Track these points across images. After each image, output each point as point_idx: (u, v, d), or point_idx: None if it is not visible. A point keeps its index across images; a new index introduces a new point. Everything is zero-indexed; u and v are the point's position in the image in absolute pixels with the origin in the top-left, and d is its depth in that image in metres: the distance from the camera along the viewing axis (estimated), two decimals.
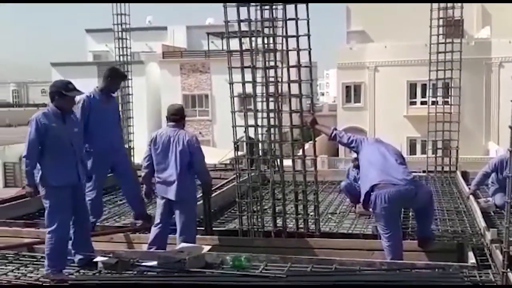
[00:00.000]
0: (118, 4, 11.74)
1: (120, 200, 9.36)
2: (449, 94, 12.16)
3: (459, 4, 11.03)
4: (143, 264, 5.42)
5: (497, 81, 29.40)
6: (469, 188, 8.73)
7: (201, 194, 6.84)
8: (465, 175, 10.58)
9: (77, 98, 6.32)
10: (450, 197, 9.24)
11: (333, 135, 6.50)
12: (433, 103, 11.88)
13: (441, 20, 11.35)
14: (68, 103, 5.47)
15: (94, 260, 5.47)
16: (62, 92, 5.34)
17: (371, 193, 5.74)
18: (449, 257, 5.76)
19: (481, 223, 6.81)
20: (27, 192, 5.51)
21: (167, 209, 6.24)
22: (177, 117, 6.30)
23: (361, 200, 6.02)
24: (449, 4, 11.09)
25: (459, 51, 11.10)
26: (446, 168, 11.24)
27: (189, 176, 6.16)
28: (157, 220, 6.30)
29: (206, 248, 5.65)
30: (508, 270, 4.78)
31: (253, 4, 6.68)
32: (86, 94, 6.93)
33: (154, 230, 6.27)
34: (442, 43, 11.33)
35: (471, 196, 8.38)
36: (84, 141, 6.32)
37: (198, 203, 6.83)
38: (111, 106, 7.32)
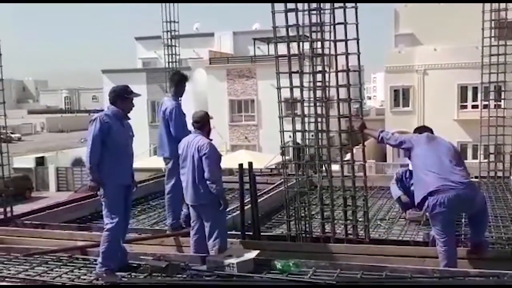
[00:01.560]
0: (168, 11, 11.96)
1: None
2: (502, 97, 11.81)
3: (511, 6, 10.71)
4: (193, 268, 5.49)
5: None
6: None
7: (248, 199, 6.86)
8: None
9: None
10: (504, 203, 8.97)
11: (380, 137, 6.46)
12: (485, 106, 11.57)
13: (493, 22, 11.05)
14: (130, 104, 5.88)
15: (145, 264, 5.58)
16: (125, 96, 5.81)
17: (428, 197, 5.61)
18: (504, 265, 5.55)
19: None
20: (91, 187, 5.69)
21: (194, 213, 6.31)
22: (199, 124, 6.33)
23: (416, 203, 5.90)
24: (502, 6, 10.79)
25: None
26: (499, 174, 10.90)
27: (204, 182, 6.08)
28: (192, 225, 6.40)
29: (255, 252, 5.67)
30: None
31: (301, 9, 6.68)
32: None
33: (191, 236, 6.40)
34: (495, 45, 11.02)
35: None
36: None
37: (246, 207, 6.87)
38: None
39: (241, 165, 6.90)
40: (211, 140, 6.28)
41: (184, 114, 7.22)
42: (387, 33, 41.06)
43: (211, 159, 6.07)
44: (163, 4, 12.05)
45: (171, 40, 12.28)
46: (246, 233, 6.81)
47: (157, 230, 7.56)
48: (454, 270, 5.28)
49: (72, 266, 5.96)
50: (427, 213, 5.79)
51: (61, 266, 5.95)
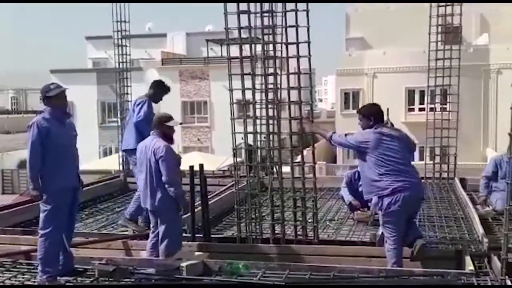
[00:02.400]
0: (118, 11, 11.76)
1: (118, 207, 9.37)
2: (447, 100, 12.18)
3: (458, 11, 11.06)
4: (141, 271, 5.41)
5: (495, 87, 29.45)
6: (477, 196, 8.78)
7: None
8: (463, 181, 10.58)
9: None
10: (448, 203, 9.24)
11: (330, 136, 6.37)
12: (431, 109, 11.90)
13: (440, 27, 11.38)
14: (63, 101, 5.59)
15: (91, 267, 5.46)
16: (46, 95, 5.47)
17: (384, 196, 5.66)
18: (448, 264, 5.75)
19: (479, 230, 6.81)
20: (33, 196, 5.50)
21: (153, 218, 6.21)
22: (153, 126, 6.28)
23: (370, 201, 5.91)
24: (448, 11, 11.12)
25: (457, 58, 11.12)
26: (444, 175, 11.24)
27: (161, 185, 6.01)
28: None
29: (205, 255, 5.64)
30: (507, 277, 4.79)
31: (254, 11, 6.70)
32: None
33: (149, 240, 6.30)
34: (441, 50, 11.35)
35: (469, 202, 8.40)
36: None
37: (196, 210, 6.83)
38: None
39: (191, 167, 6.86)
40: (171, 143, 6.20)
41: (153, 113, 7.24)
42: (338, 36, 41.77)
43: (167, 162, 5.98)
44: (114, 3, 11.84)
45: (121, 40, 12.07)
46: (196, 235, 6.78)
47: (105, 234, 7.41)
48: (399, 269, 5.40)
49: (16, 271, 5.78)
50: (379, 212, 5.79)
51: (4, 272, 5.77)
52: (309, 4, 6.31)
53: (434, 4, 11.18)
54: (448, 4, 11.02)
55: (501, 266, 4.79)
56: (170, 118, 6.36)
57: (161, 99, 8.08)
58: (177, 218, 6.18)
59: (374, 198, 5.79)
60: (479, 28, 34.07)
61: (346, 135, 6.31)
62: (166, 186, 5.95)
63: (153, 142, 6.10)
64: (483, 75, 29.84)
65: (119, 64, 12.03)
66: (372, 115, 6.02)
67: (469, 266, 5.42)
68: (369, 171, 5.86)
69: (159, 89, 7.98)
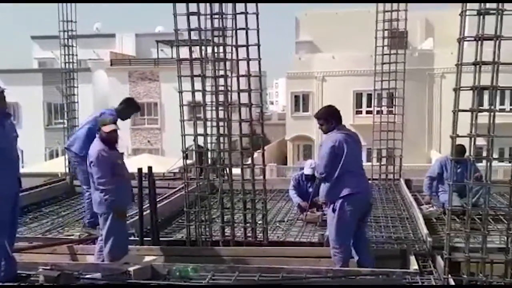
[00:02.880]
0: (65, 10, 11.48)
1: (64, 211, 9.16)
2: (394, 103, 12.48)
3: (403, 17, 11.36)
4: (87, 276, 5.30)
5: (439, 91, 30.43)
6: (421, 196, 9.01)
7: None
8: (408, 182, 10.87)
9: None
10: (394, 204, 9.47)
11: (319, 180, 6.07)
12: (378, 112, 12.18)
13: (386, 32, 11.65)
14: (2, 102, 5.22)
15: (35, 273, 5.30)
16: None
17: (343, 198, 5.67)
18: (393, 264, 5.88)
19: (424, 229, 7.01)
20: None
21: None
22: (97, 130, 6.25)
23: (328, 201, 5.85)
24: (394, 17, 11.41)
25: (403, 62, 11.41)
26: (390, 176, 11.52)
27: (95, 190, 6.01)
28: None
29: (153, 258, 5.58)
30: (449, 276, 4.94)
31: (204, 13, 6.67)
32: None
33: (97, 244, 6.23)
34: (387, 54, 11.63)
35: (414, 203, 8.64)
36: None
37: (145, 213, 6.76)
38: None
39: (140, 169, 6.77)
40: (112, 147, 6.08)
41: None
42: (289, 40, 42.21)
43: (97, 167, 5.92)
44: (60, 3, 11.55)
45: (68, 40, 11.78)
46: (145, 239, 6.70)
47: (50, 239, 7.21)
48: (347, 269, 5.49)
49: None
50: (334, 214, 5.76)
51: None
52: (260, 7, 6.33)
53: (380, 9, 11.44)
54: (393, 10, 11.31)
55: (444, 265, 4.94)
56: (108, 122, 6.26)
57: (129, 117, 7.87)
58: (115, 222, 5.99)
59: (331, 199, 5.78)
60: (424, 33, 35.18)
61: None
62: (97, 192, 5.93)
63: (91, 146, 6.10)
64: (427, 79, 30.78)
65: (65, 65, 11.74)
66: (333, 117, 5.96)
67: (414, 265, 5.57)
68: (328, 175, 5.80)
69: (129, 106, 7.69)
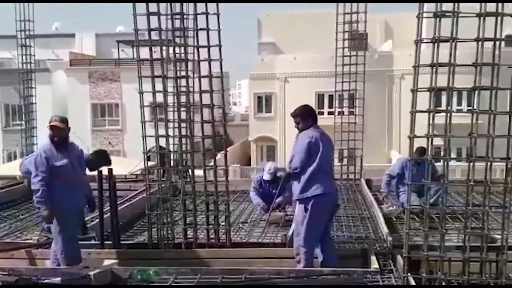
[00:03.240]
0: (22, 9, 11.23)
1: (22, 215, 8.93)
2: (355, 105, 12.65)
3: (363, 19, 11.53)
4: (46, 281, 5.18)
5: (399, 92, 30.96)
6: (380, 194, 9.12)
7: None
8: (369, 182, 11.04)
9: None
10: (355, 204, 9.60)
11: (287, 174, 6.00)
12: (339, 113, 12.33)
13: (346, 34, 11.80)
14: None
15: None
16: None
17: (315, 197, 5.67)
18: (354, 263, 5.96)
19: (384, 229, 7.12)
20: None
21: None
22: (67, 126, 6.03)
23: (298, 199, 5.83)
24: (354, 18, 11.57)
25: (363, 64, 11.58)
26: (351, 176, 11.67)
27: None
28: None
29: (113, 262, 5.50)
30: (409, 274, 5.04)
31: (164, 13, 6.61)
32: None
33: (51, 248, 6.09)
34: (347, 56, 11.79)
35: (374, 202, 8.77)
36: None
37: (105, 216, 6.66)
38: None
39: (100, 171, 6.66)
40: (57, 142, 5.89)
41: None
42: (252, 41, 42.28)
43: (33, 166, 5.80)
44: (17, 3, 11.29)
45: (26, 40, 11.54)
46: (105, 242, 6.59)
47: (8, 243, 7.01)
48: (309, 269, 5.53)
49: None
50: (305, 213, 5.74)
51: None
52: (223, 8, 6.33)
53: (340, 11, 11.58)
54: (353, 12, 11.47)
55: (404, 264, 5.03)
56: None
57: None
58: (61, 227, 5.85)
59: (304, 197, 5.77)
60: (383, 35, 35.76)
61: (290, 161, 5.98)
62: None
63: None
64: (387, 80, 31.26)
65: (23, 65, 11.50)
66: (309, 115, 5.99)
67: (374, 265, 5.65)
68: (302, 172, 5.78)
69: (99, 158, 6.83)
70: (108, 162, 6.87)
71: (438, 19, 4.67)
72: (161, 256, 6.31)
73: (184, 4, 6.62)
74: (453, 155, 23.42)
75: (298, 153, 5.80)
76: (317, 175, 5.73)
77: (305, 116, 5.96)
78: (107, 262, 5.78)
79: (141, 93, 6.69)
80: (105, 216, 6.72)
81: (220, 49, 6.48)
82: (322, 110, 31.13)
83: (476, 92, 4.80)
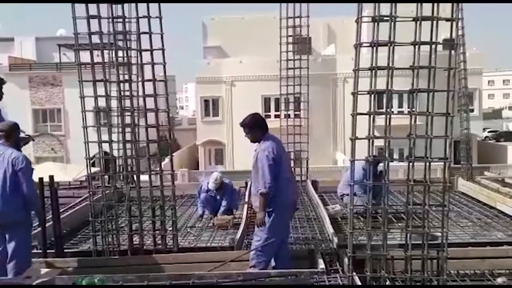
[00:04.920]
0: None
1: None
2: (300, 108, 12.81)
3: (306, 23, 11.70)
4: None
5: (343, 95, 31.55)
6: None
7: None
8: (315, 183, 11.18)
9: None
10: (301, 205, 9.69)
11: (264, 192, 5.69)
12: (285, 116, 12.45)
13: (290, 38, 11.94)
14: None
15: None
16: None
17: (280, 201, 5.69)
18: (301, 264, 6.02)
19: (329, 229, 7.23)
20: None
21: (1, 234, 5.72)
22: (2, 133, 5.79)
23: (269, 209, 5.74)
24: (297, 23, 11.72)
25: (307, 68, 11.74)
26: (298, 178, 11.79)
27: (16, 197, 5.59)
28: None
29: (56, 271, 5.35)
30: (354, 273, 5.13)
31: (105, 17, 6.49)
32: None
33: None
34: (291, 59, 11.92)
35: (320, 203, 8.90)
36: None
37: (47, 224, 6.47)
38: None
39: (41, 179, 6.46)
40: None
41: None
42: (198, 44, 42.12)
43: (28, 173, 5.64)
44: None
45: None
46: (48, 251, 6.41)
47: None
48: (256, 272, 5.55)
49: None
50: (269, 218, 5.68)
51: None
52: (168, 11, 6.30)
53: (284, 16, 11.71)
54: (296, 16, 11.61)
55: (348, 263, 5.13)
56: (19, 127, 5.97)
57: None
58: (29, 234, 5.80)
59: (273, 208, 5.71)
60: (327, 39, 36.39)
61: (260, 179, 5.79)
62: (27, 199, 5.59)
63: (8, 151, 5.66)
64: (331, 84, 31.81)
65: None
66: (258, 126, 5.92)
67: (321, 265, 5.73)
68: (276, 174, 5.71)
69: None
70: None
71: (376, 23, 4.79)
72: (107, 264, 6.18)
73: (126, 7, 6.53)
74: (396, 156, 24.06)
75: (265, 173, 5.66)
76: (282, 184, 5.74)
77: (253, 127, 5.90)
78: (50, 271, 5.60)
79: (82, 97, 6.54)
80: (47, 224, 6.53)
81: (163, 53, 6.42)
82: (269, 114, 31.36)
83: (415, 94, 4.96)
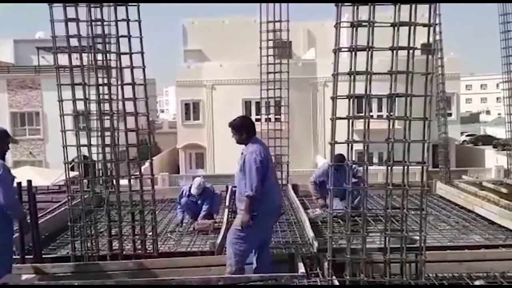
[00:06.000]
0: None
1: None
2: (281, 111, 12.83)
3: (286, 27, 11.73)
4: None
5: (323, 99, 31.73)
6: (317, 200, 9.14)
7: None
8: (295, 187, 11.21)
9: None
10: (282, 209, 9.69)
11: (250, 195, 5.59)
12: (266, 120, 12.47)
13: (270, 42, 11.96)
14: None
15: None
16: None
17: (265, 210, 5.66)
18: (282, 268, 6.02)
19: (310, 233, 7.25)
20: None
21: None
22: None
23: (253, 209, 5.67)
24: (277, 27, 11.74)
25: (287, 72, 11.77)
26: (278, 181, 11.80)
27: None
28: None
29: (35, 277, 5.28)
30: (334, 277, 5.16)
31: (83, 19, 6.44)
32: None
33: None
34: (272, 63, 11.94)
35: (301, 207, 8.92)
36: None
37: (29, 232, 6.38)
38: None
39: (19, 183, 6.38)
40: (4, 160, 5.66)
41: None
42: (178, 48, 41.93)
43: (5, 182, 5.50)
44: None
45: None
46: (26, 256, 6.32)
47: None
48: (236, 276, 5.54)
49: None
50: (252, 221, 5.60)
51: None
52: (148, 14, 6.27)
53: (264, 19, 11.72)
54: (277, 20, 11.63)
55: (328, 267, 5.15)
56: (8, 134, 5.93)
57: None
58: (10, 243, 5.70)
59: (258, 212, 5.65)
60: (307, 43, 36.58)
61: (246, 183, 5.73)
62: (6, 208, 5.45)
63: None
64: (311, 88, 31.97)
65: None
66: (244, 129, 5.84)
67: (301, 269, 5.73)
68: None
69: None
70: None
71: (355, 28, 4.84)
72: (86, 269, 6.12)
73: (105, 11, 6.49)
74: (375, 160, 24.24)
75: (252, 174, 5.60)
76: (269, 189, 5.72)
77: (241, 130, 5.83)
78: (28, 278, 5.53)
79: (60, 101, 6.49)
80: (29, 232, 6.43)
81: (142, 56, 6.40)
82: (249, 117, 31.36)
83: (393, 98, 5.01)
